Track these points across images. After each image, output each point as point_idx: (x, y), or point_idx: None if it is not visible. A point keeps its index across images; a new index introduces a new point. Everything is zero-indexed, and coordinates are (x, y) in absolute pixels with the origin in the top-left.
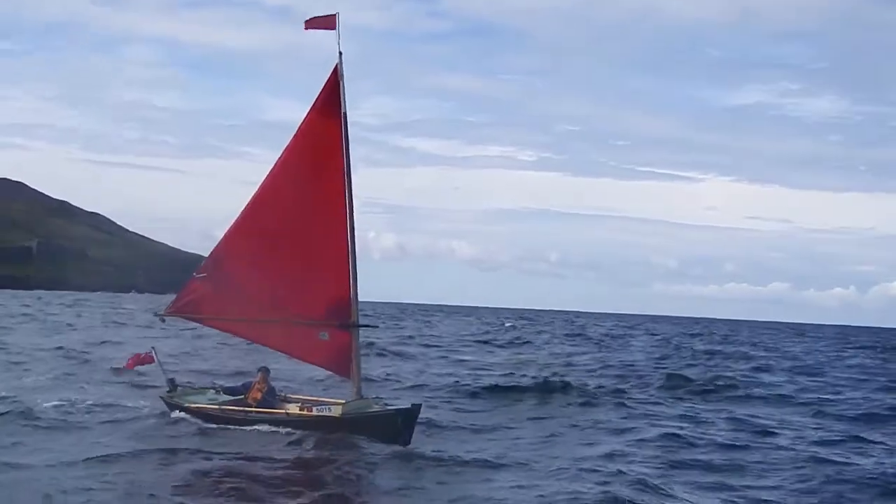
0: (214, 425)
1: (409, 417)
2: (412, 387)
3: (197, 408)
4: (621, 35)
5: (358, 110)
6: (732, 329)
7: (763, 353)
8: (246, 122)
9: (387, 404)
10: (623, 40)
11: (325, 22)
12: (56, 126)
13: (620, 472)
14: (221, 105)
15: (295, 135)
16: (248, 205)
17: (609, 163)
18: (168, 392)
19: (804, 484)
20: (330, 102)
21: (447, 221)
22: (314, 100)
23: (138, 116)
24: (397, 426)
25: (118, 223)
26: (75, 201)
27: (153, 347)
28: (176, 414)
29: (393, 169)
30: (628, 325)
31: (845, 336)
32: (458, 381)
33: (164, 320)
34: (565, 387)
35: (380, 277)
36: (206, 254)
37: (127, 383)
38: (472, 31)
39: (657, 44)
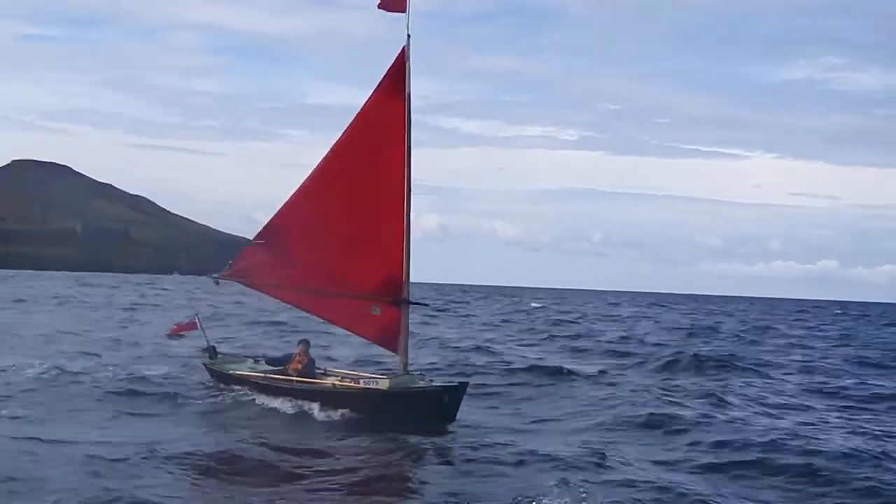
0: (256, 394)
1: (455, 395)
2: (426, 364)
3: (240, 375)
4: (663, 10)
5: None
6: (772, 307)
7: (796, 332)
8: (286, 105)
9: (432, 381)
10: (665, 16)
11: (396, 4)
12: (101, 111)
13: (601, 453)
14: (262, 89)
15: (359, 112)
16: (309, 178)
17: (652, 141)
18: (210, 359)
19: (773, 461)
20: (395, 83)
21: (490, 202)
22: (379, 80)
23: (181, 101)
24: (443, 403)
25: (160, 205)
26: (118, 184)
27: (197, 314)
28: (216, 381)
29: (436, 150)
30: (665, 305)
31: (890, 314)
32: (470, 362)
33: (218, 283)
34: (572, 367)
35: (421, 259)
36: (248, 236)
37: (158, 355)
38: (511, 11)
39: (700, 18)
